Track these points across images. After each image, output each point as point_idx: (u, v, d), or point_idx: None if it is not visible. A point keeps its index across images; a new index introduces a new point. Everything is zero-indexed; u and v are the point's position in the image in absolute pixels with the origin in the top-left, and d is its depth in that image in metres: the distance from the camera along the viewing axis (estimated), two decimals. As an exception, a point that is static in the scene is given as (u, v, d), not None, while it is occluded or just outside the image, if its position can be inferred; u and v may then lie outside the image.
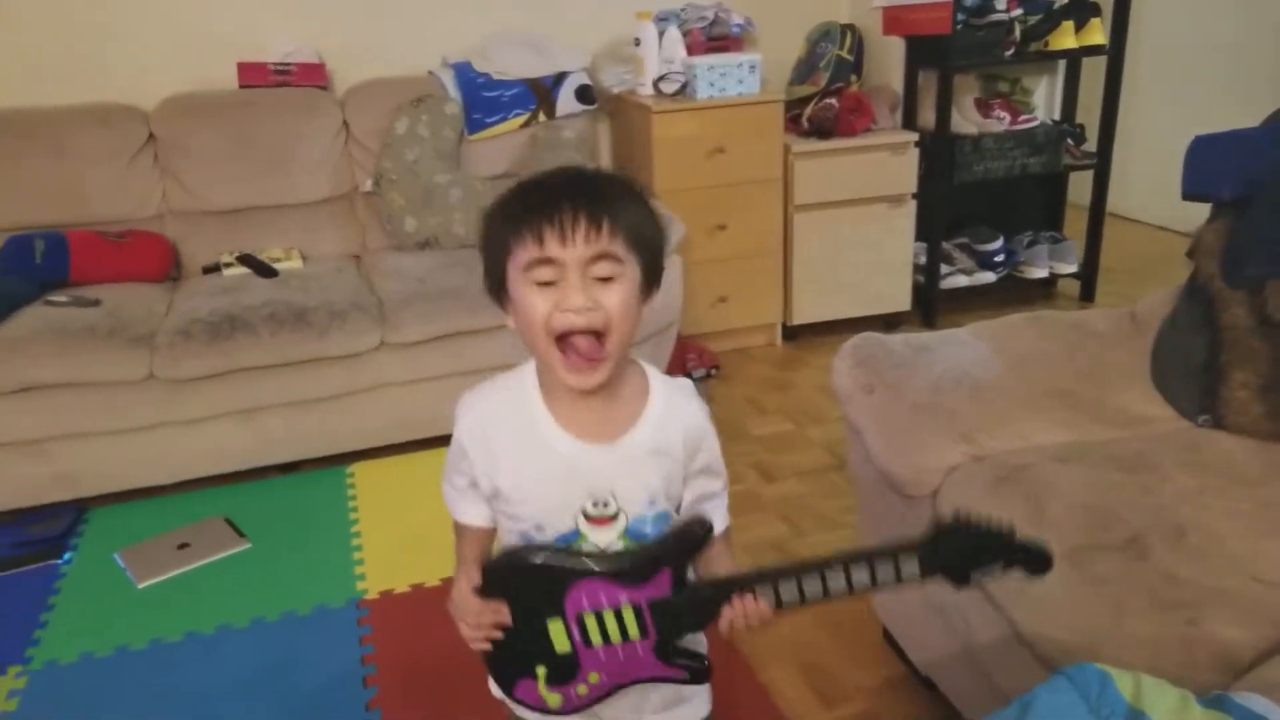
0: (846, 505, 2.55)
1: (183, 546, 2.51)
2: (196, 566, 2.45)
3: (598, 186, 1.07)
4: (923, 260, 3.73)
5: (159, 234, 3.12)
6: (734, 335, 3.63)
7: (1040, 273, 3.87)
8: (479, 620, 1.13)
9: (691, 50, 3.45)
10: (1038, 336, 1.91)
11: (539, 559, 1.12)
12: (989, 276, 3.81)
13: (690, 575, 1.14)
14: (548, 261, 1.03)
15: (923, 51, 3.60)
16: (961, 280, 3.78)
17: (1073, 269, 3.90)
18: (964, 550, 1.07)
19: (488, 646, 1.15)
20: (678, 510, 1.18)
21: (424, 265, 3.02)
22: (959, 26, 3.40)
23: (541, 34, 3.47)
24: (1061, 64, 3.95)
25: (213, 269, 3.08)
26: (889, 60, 3.75)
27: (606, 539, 1.13)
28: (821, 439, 2.96)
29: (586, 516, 1.12)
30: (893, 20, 3.59)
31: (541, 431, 1.12)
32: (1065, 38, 3.57)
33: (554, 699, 1.17)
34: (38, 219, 2.99)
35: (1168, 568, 1.33)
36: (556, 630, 1.12)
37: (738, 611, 1.10)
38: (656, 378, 1.18)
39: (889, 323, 3.70)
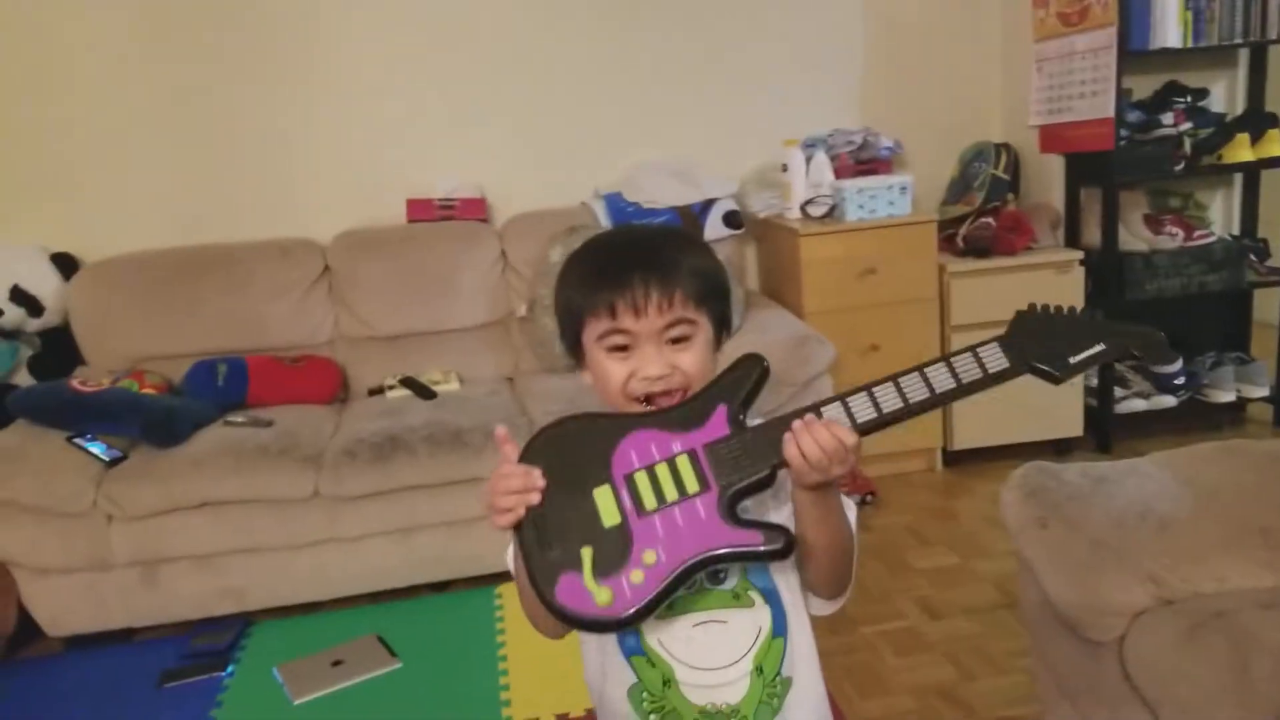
0: (1019, 647, 2.36)
1: (337, 664, 2.55)
2: (349, 685, 2.48)
3: (664, 251, 1.09)
4: (1095, 382, 3.54)
5: (330, 359, 3.30)
6: (891, 460, 3.50)
7: (1226, 396, 3.60)
8: (509, 484, 1.00)
9: (840, 174, 3.47)
10: (1230, 467, 1.74)
11: (582, 416, 1.05)
12: (1169, 400, 3.58)
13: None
14: (622, 332, 1.06)
15: (1084, 168, 3.51)
16: (1139, 404, 3.56)
17: (1264, 392, 3.62)
18: (1053, 336, 0.96)
19: (520, 515, 1.00)
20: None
21: (573, 387, 3.06)
22: (1123, 142, 3.30)
23: (690, 162, 3.57)
24: (1238, 177, 3.76)
25: (377, 391, 3.22)
26: (1048, 177, 3.67)
27: None
28: (990, 574, 2.78)
29: None
30: (1051, 138, 3.52)
31: None
32: (1240, 150, 3.41)
33: (602, 594, 0.97)
34: (222, 345, 3.21)
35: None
36: (604, 498, 1.00)
37: (799, 432, 0.96)
38: None
39: (1059, 448, 3.51)
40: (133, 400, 2.85)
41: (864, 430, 0.98)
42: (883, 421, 0.98)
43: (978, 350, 0.98)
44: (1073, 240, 3.57)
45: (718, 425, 1.01)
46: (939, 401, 0.98)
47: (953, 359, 0.98)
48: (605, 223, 3.43)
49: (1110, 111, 3.22)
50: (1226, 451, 1.81)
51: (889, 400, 0.98)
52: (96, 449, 2.73)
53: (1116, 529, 1.59)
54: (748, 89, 3.74)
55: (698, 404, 1.03)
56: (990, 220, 3.44)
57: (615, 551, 0.98)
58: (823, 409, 0.99)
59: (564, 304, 1.13)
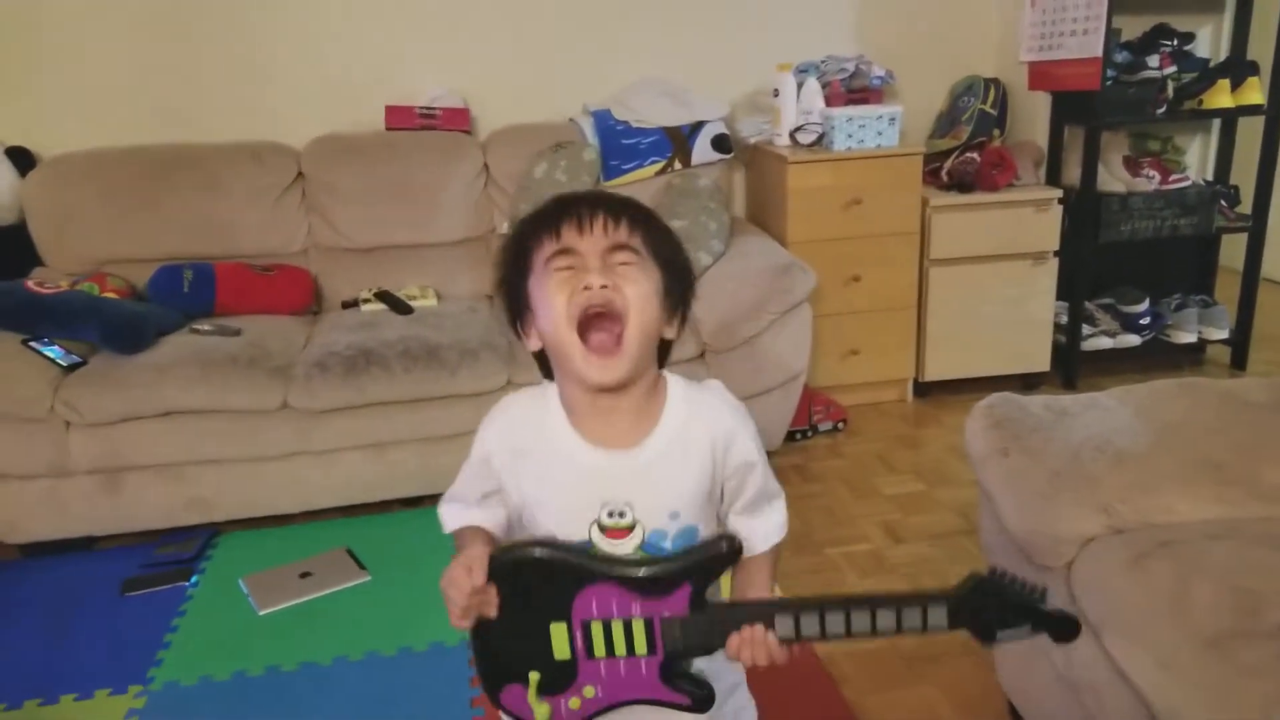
0: (979, 573, 2.44)
1: (304, 575, 2.54)
2: (316, 597, 2.47)
3: (617, 198, 1.10)
4: (1064, 320, 3.58)
5: (303, 269, 3.22)
6: (864, 389, 3.54)
7: (1188, 337, 3.67)
8: (468, 602, 1.04)
9: (830, 102, 3.42)
10: (1187, 405, 1.77)
11: (552, 552, 1.08)
12: (1134, 339, 3.64)
13: (719, 594, 1.12)
14: (566, 251, 1.05)
15: (1070, 107, 3.50)
16: (1105, 342, 3.61)
17: (1224, 335, 3.69)
18: (994, 608, 1.02)
19: (467, 626, 1.07)
20: (717, 524, 1.17)
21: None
22: (1108, 83, 3.29)
23: (681, 84, 3.50)
24: (1216, 123, 3.78)
25: (351, 304, 3.16)
26: (1034, 115, 3.65)
27: (621, 552, 1.10)
28: (952, 501, 2.83)
29: (602, 528, 1.10)
30: (1040, 75, 3.50)
31: (560, 438, 1.12)
32: (1221, 96, 3.41)
33: (542, 710, 1.11)
34: (189, 250, 3.12)
35: (1334, 661, 1.20)
36: (559, 634, 1.08)
37: (744, 641, 1.05)
38: (678, 384, 1.16)
39: (1027, 383, 3.56)
40: (93, 304, 2.76)
41: (804, 641, 1.04)
42: (822, 640, 1.05)
43: (927, 607, 1.02)
44: (1054, 179, 3.58)
45: (679, 602, 1.05)
46: (875, 637, 1.04)
47: (903, 608, 1.02)
48: (592, 139, 3.36)
49: (1099, 51, 3.20)
50: (1185, 389, 1.84)
51: (835, 626, 1.03)
52: (53, 353, 2.65)
53: (1074, 460, 1.62)
54: (744, 9, 3.64)
55: (665, 574, 1.05)
56: (975, 155, 3.42)
57: (559, 679, 1.10)
58: (776, 615, 1.04)
59: (507, 260, 1.13)
